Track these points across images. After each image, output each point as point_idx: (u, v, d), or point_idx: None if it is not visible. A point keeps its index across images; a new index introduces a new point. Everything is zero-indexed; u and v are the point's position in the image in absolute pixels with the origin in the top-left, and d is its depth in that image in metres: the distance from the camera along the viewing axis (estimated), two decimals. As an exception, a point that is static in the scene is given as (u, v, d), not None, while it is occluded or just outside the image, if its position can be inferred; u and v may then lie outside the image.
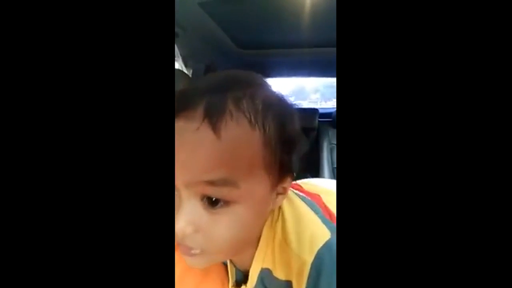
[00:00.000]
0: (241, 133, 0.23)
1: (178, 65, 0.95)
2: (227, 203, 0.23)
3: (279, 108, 0.26)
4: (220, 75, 0.27)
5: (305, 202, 0.32)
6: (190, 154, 0.22)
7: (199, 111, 0.22)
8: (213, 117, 0.22)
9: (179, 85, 0.50)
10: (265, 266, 0.30)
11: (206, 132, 0.22)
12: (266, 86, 0.27)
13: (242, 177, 0.23)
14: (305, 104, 1.74)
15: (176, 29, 0.89)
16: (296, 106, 0.30)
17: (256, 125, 0.23)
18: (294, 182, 0.40)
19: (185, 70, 0.97)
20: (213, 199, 0.23)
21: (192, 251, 0.25)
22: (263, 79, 0.28)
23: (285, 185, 0.27)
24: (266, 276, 0.30)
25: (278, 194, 0.27)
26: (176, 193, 0.24)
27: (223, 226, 0.24)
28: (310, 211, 0.31)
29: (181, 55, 0.93)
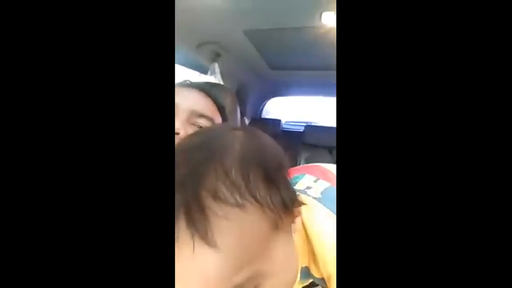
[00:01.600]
0: (237, 224, 0.19)
1: (217, 79, 1.07)
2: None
3: (260, 160, 0.22)
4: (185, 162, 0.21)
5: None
6: (202, 275, 0.18)
7: (181, 220, 0.19)
8: (199, 232, 0.18)
9: (226, 101, 0.60)
10: (303, 264, 0.30)
11: (203, 249, 0.18)
12: (234, 148, 0.22)
13: (264, 258, 0.20)
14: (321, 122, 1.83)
15: (219, 50, 1.02)
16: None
17: (245, 200, 0.19)
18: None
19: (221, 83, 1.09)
20: None
21: None
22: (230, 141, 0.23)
23: (296, 214, 0.25)
24: (304, 274, 0.30)
25: (294, 220, 0.25)
26: None
27: None
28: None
29: (220, 72, 1.05)
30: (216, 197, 0.19)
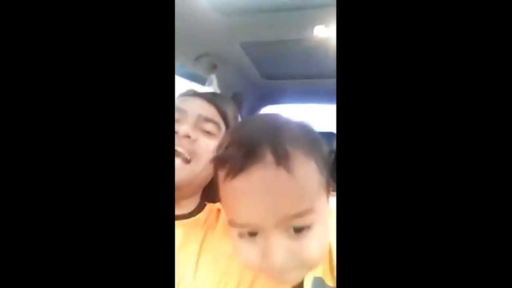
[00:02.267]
0: (306, 167, 0.27)
1: (213, 89, 1.10)
2: (309, 226, 0.27)
3: (313, 136, 0.31)
4: (261, 124, 0.31)
5: None
6: (274, 198, 0.26)
7: (269, 160, 0.26)
8: (285, 162, 0.26)
9: (228, 109, 0.64)
10: (317, 275, 0.33)
11: (282, 175, 0.26)
12: (297, 125, 0.32)
13: (315, 200, 0.28)
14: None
15: (216, 61, 1.07)
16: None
17: (311, 155, 0.28)
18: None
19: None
20: (299, 227, 0.27)
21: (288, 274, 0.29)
22: (287, 118, 0.33)
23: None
24: (318, 285, 0.33)
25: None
26: (261, 234, 0.27)
27: (313, 246, 0.27)
28: None
29: (216, 82, 1.09)
30: (294, 146, 0.27)
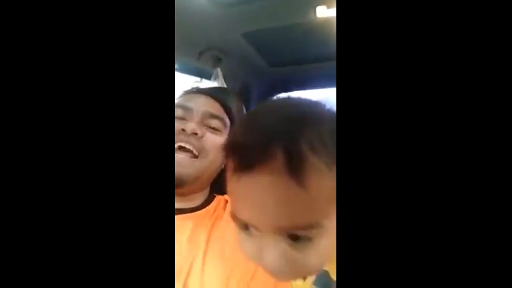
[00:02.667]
0: (321, 178, 0.23)
1: (220, 84, 1.10)
2: (310, 239, 0.24)
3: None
4: (277, 114, 0.25)
5: None
6: (280, 206, 0.23)
7: (280, 162, 0.22)
8: (295, 170, 0.22)
9: (232, 103, 0.64)
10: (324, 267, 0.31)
11: (290, 183, 0.22)
12: (325, 114, 0.26)
13: (325, 217, 0.24)
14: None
15: (220, 55, 1.06)
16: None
17: (332, 166, 0.23)
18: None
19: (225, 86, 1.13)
20: (298, 236, 0.24)
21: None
22: (320, 104, 0.27)
23: None
24: (323, 277, 0.32)
25: None
26: (257, 233, 0.25)
27: (312, 257, 0.25)
28: None
29: (223, 75, 1.09)
30: (312, 149, 0.23)
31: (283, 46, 1.04)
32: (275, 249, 0.24)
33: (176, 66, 1.20)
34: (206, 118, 0.52)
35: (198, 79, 1.15)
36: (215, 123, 0.53)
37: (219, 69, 1.06)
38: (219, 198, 0.56)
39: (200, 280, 0.40)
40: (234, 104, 0.66)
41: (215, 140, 0.52)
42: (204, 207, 0.52)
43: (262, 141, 0.23)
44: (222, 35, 0.90)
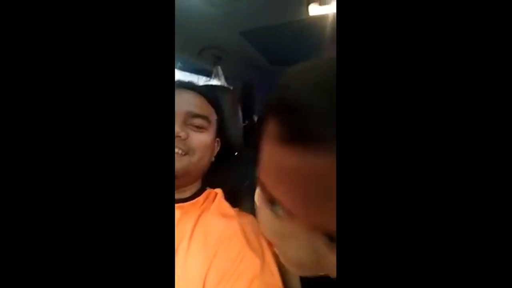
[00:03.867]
0: None
1: (221, 83, 1.13)
2: None
3: None
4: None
5: None
6: (325, 198, 0.19)
7: (330, 148, 0.17)
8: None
9: (221, 97, 0.65)
10: None
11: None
12: None
13: None
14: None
15: (220, 53, 1.08)
16: None
17: None
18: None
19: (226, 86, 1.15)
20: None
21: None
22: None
23: None
24: None
25: None
26: (286, 216, 0.22)
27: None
28: None
29: (223, 74, 1.11)
30: None
31: (280, 44, 1.06)
32: (308, 245, 0.21)
33: (179, 64, 1.24)
34: (189, 118, 0.52)
35: (207, 78, 1.16)
36: (198, 122, 0.53)
37: (219, 67, 1.09)
38: (209, 191, 0.58)
39: (183, 268, 0.41)
40: (226, 101, 0.68)
41: (200, 138, 0.53)
42: (193, 198, 0.54)
43: (305, 116, 0.17)
44: (220, 34, 0.92)
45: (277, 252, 0.26)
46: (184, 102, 0.53)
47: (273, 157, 0.21)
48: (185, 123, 0.53)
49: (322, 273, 0.25)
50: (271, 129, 0.21)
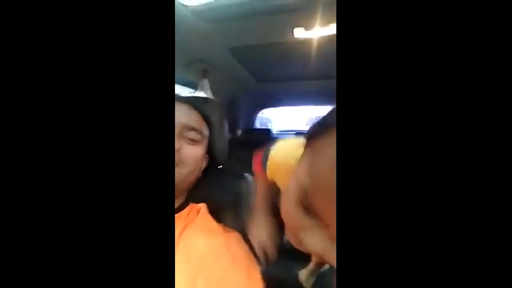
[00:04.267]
0: None
1: (207, 95, 1.14)
2: None
3: None
4: None
5: None
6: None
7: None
8: None
9: (212, 112, 0.66)
10: None
11: None
12: None
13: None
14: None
15: (207, 67, 1.11)
16: None
17: None
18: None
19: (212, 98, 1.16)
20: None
21: None
22: None
23: None
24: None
25: None
26: (321, 224, 0.21)
27: None
28: None
29: (210, 88, 1.13)
30: None
31: (269, 63, 1.10)
32: (321, 242, 0.20)
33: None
34: (184, 130, 0.53)
35: (193, 91, 1.17)
36: (193, 135, 0.53)
37: (206, 80, 1.11)
38: (192, 206, 0.57)
39: None
40: (214, 113, 0.69)
41: (192, 152, 0.52)
42: (177, 212, 0.53)
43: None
44: (209, 49, 0.95)
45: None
46: (182, 114, 0.53)
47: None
48: (180, 135, 0.52)
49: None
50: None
